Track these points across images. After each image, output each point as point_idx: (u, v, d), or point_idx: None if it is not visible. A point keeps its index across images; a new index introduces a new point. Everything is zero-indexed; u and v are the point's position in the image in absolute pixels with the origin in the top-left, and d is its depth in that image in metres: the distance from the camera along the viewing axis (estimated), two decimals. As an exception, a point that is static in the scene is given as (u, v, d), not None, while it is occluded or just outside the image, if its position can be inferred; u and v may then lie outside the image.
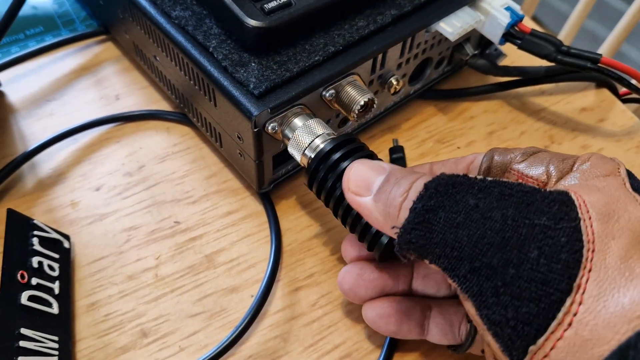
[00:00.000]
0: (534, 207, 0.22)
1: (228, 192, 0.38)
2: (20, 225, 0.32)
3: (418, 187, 0.25)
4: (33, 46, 0.44)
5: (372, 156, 0.31)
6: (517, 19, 0.39)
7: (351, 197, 0.27)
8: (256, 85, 0.31)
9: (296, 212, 0.37)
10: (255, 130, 0.31)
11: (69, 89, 0.43)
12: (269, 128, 0.32)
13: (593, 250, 0.21)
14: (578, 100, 0.45)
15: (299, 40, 0.34)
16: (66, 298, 0.32)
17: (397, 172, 0.27)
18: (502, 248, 0.22)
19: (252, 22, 0.31)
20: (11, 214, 0.32)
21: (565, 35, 0.84)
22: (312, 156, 0.31)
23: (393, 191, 0.25)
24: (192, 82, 0.35)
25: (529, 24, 0.43)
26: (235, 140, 0.34)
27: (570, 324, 0.20)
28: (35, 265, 0.31)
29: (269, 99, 0.31)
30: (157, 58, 0.38)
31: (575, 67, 0.38)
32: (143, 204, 0.37)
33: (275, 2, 0.32)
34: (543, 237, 0.21)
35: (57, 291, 0.31)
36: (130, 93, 0.43)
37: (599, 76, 0.45)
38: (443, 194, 0.24)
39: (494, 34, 0.39)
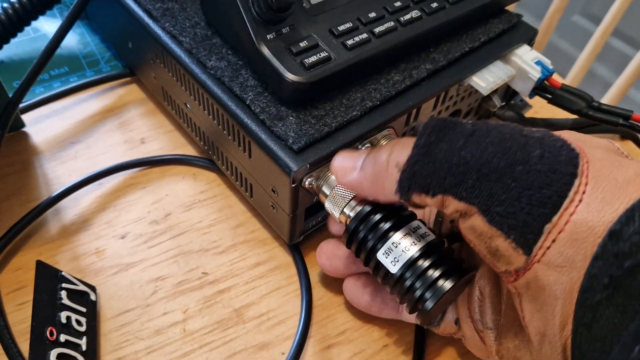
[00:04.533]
0: (526, 129, 0.25)
1: (256, 243, 0.37)
2: (49, 278, 0.31)
3: (400, 144, 0.27)
4: (58, 87, 0.44)
5: (412, 217, 0.30)
6: (547, 74, 0.39)
7: (342, 182, 0.29)
8: (295, 140, 0.31)
9: (325, 264, 0.36)
10: (293, 185, 0.31)
11: (94, 131, 0.42)
12: (306, 183, 0.31)
13: (584, 152, 0.24)
14: (603, 152, 0.45)
15: (336, 94, 0.33)
16: (93, 355, 0.31)
17: (374, 149, 0.29)
18: (505, 153, 0.24)
19: (293, 77, 0.31)
20: (40, 267, 0.31)
21: (572, 78, 0.85)
22: (352, 215, 0.30)
23: (378, 156, 0.27)
24: (225, 132, 0.35)
25: (558, 78, 0.43)
26: (269, 193, 0.34)
27: (580, 200, 0.22)
28: (63, 320, 0.30)
29: (308, 154, 0.31)
30: (188, 105, 0.38)
31: (607, 122, 0.38)
32: (169, 253, 0.36)
33: (315, 56, 0.32)
34: (541, 143, 0.24)
35: (84, 347, 0.30)
36: (155, 136, 0.42)
37: (624, 129, 0.45)
38: (441, 129, 0.26)
39: (524, 88, 0.39)
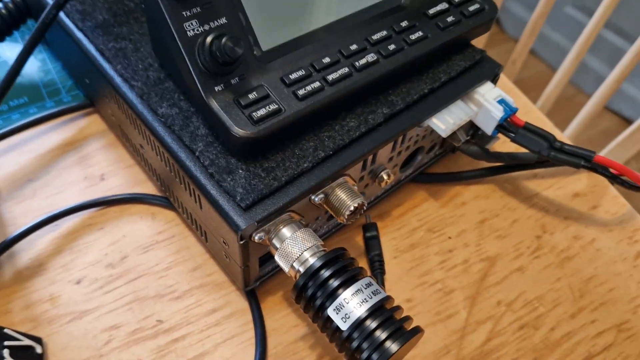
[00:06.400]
0: None
1: (213, 287, 0.37)
2: (-6, 337, 0.31)
3: None
4: (17, 119, 0.43)
5: (361, 273, 0.30)
6: (510, 113, 0.38)
7: None
8: (243, 197, 0.30)
9: (282, 309, 0.36)
10: (242, 242, 0.30)
11: (53, 167, 0.41)
12: (256, 238, 0.31)
13: None
14: (571, 184, 0.44)
15: (288, 143, 0.33)
16: (41, 412, 0.30)
17: None
18: None
19: (240, 132, 0.30)
20: (-15, 326, 0.30)
21: (564, 71, 0.84)
22: (302, 270, 0.30)
23: None
24: (177, 180, 0.34)
25: (523, 115, 0.42)
26: (221, 243, 0.33)
27: None
28: (8, 380, 0.30)
29: (256, 210, 0.30)
30: (143, 147, 0.37)
31: (569, 164, 0.37)
32: (125, 299, 0.36)
33: (264, 109, 0.31)
34: None
35: (31, 406, 0.30)
36: (115, 172, 0.41)
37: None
38: None
39: (487, 126, 0.39)
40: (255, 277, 0.35)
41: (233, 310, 0.36)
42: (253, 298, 0.36)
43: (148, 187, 0.41)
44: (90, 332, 0.34)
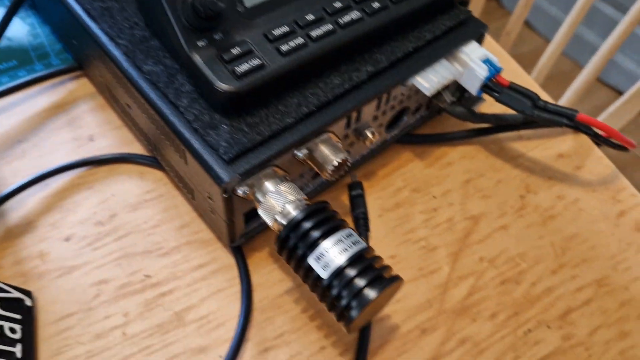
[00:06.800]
0: None
1: (200, 244, 0.37)
2: (-16, 288, 0.31)
3: None
4: (6, 82, 0.44)
5: (343, 225, 0.31)
6: (495, 72, 0.38)
7: None
8: (226, 150, 0.31)
9: (268, 264, 0.37)
10: (225, 195, 0.31)
11: (42, 129, 0.42)
12: (240, 192, 0.31)
13: None
14: (556, 145, 0.45)
15: (272, 99, 0.33)
16: (31, 360, 0.31)
17: None
18: None
19: (223, 87, 0.31)
20: (-25, 277, 0.31)
21: (557, 42, 0.84)
22: (284, 223, 0.30)
23: None
24: (162, 137, 0.35)
25: (507, 73, 0.43)
26: (206, 199, 0.34)
27: None
28: (-2, 330, 0.30)
29: (240, 164, 0.31)
30: (130, 107, 0.38)
31: (551, 123, 0.38)
32: (113, 255, 0.36)
33: (247, 64, 0.31)
34: None
35: (19, 354, 0.31)
36: (104, 133, 0.42)
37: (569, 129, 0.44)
38: None
39: (472, 86, 0.39)
40: (241, 233, 0.36)
41: (220, 266, 0.36)
42: (239, 254, 0.36)
43: (136, 148, 0.41)
44: (79, 287, 0.35)
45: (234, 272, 0.36)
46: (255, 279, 0.36)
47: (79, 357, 0.33)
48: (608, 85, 1.48)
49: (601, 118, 0.80)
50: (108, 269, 0.36)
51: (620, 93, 1.45)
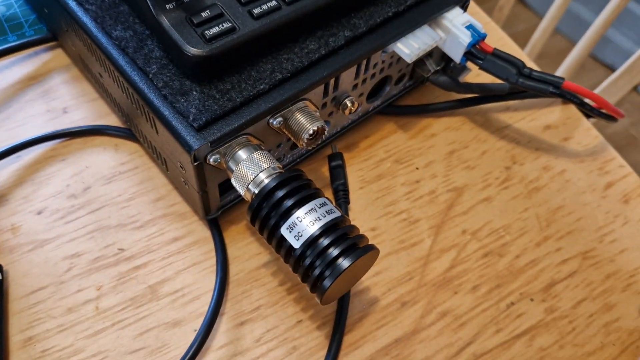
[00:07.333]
0: None
1: (175, 217, 0.36)
2: (-50, 260, 0.30)
3: None
4: (-23, 53, 0.42)
5: (317, 194, 0.30)
6: (478, 38, 0.37)
7: None
8: (196, 118, 0.30)
9: (245, 238, 0.36)
10: (196, 163, 0.30)
11: (15, 101, 0.41)
12: (211, 160, 0.30)
13: None
14: (543, 116, 0.44)
15: (244, 65, 0.32)
16: None
17: None
18: None
19: (193, 50, 0.29)
20: (-61, 249, 0.30)
21: (550, 17, 0.82)
22: (256, 192, 0.30)
23: None
24: (133, 105, 0.33)
25: (493, 38, 0.42)
26: (179, 169, 0.33)
27: None
28: (-36, 303, 0.30)
29: (210, 131, 0.30)
30: (102, 76, 0.36)
31: (536, 91, 0.37)
32: (87, 228, 0.36)
33: (217, 27, 0.30)
34: None
35: (-11, 328, 0.30)
36: (78, 106, 0.41)
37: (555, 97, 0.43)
38: None
39: (455, 53, 0.38)
40: (217, 205, 0.35)
41: (195, 239, 0.36)
42: (215, 226, 0.35)
43: (112, 120, 0.40)
44: (51, 260, 0.34)
45: (209, 245, 0.35)
46: (232, 252, 0.35)
47: (50, 331, 0.32)
48: (604, 64, 1.46)
49: (595, 94, 0.78)
50: (81, 242, 0.35)
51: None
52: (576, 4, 1.43)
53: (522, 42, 0.87)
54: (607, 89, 0.76)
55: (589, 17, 1.43)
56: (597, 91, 0.78)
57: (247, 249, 0.36)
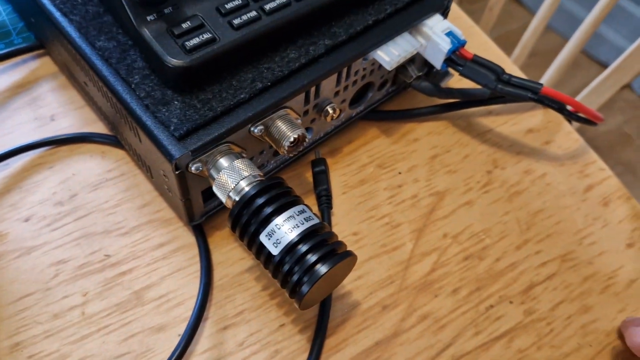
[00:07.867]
0: None
1: (160, 223, 0.37)
2: (-63, 268, 0.31)
3: None
4: (-35, 62, 0.43)
5: (297, 202, 0.30)
6: (458, 45, 0.38)
7: None
8: (177, 127, 0.30)
9: (230, 243, 0.37)
10: (177, 172, 0.31)
11: (3, 109, 0.41)
12: (193, 168, 0.31)
13: None
14: (525, 120, 0.44)
15: (225, 75, 0.33)
16: (-13, 341, 0.31)
17: None
18: None
19: (173, 61, 0.30)
20: None
21: (542, 15, 0.82)
22: (237, 199, 0.30)
23: None
24: (117, 115, 0.34)
25: (476, 43, 0.42)
26: (162, 177, 0.33)
27: None
28: (-49, 310, 0.30)
29: (191, 140, 0.30)
30: (87, 84, 0.37)
31: (514, 96, 0.37)
32: (73, 235, 0.36)
33: (197, 38, 0.31)
34: None
35: (-24, 335, 0.31)
36: (65, 113, 0.41)
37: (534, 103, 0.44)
38: None
39: (436, 59, 0.38)
40: (201, 212, 0.35)
41: (180, 245, 0.36)
42: (199, 232, 0.36)
43: (98, 127, 0.41)
44: (37, 267, 0.35)
45: (194, 251, 0.36)
46: (216, 257, 0.36)
47: (37, 337, 0.32)
48: (598, 62, 1.46)
49: (585, 93, 0.79)
50: (67, 249, 0.36)
51: (610, 69, 1.44)
52: (569, 1, 1.43)
53: (516, 40, 0.88)
54: (598, 87, 0.77)
55: (583, 14, 1.43)
56: (588, 90, 0.78)
57: (231, 254, 0.36)
